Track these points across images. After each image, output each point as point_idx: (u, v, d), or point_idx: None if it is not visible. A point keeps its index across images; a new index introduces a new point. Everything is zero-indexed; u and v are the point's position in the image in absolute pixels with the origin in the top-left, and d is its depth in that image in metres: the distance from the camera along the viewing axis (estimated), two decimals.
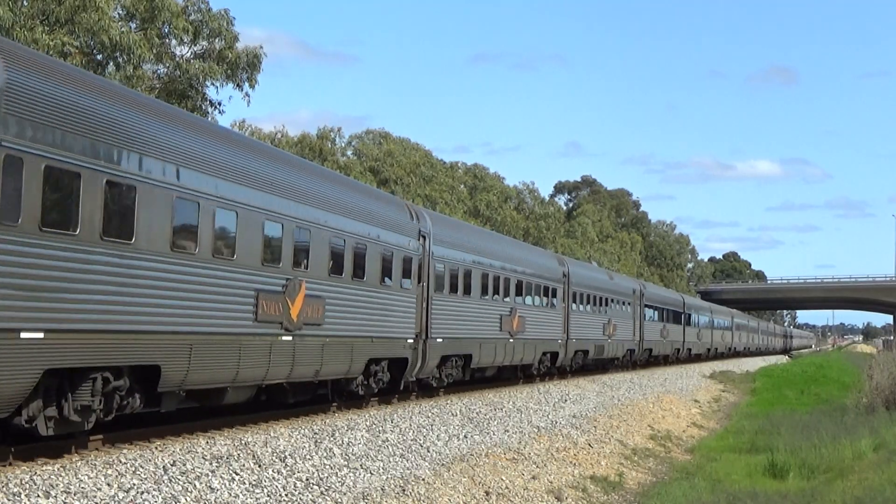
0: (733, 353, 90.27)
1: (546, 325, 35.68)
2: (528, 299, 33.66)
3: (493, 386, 31.58)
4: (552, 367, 36.96)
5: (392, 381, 23.17)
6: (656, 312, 56.96)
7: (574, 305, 38.85)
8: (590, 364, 43.12)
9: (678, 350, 63.81)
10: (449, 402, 24.19)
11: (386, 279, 22.11)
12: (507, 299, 30.94)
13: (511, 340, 31.21)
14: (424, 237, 24.43)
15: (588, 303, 41.49)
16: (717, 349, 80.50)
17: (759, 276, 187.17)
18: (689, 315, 67.73)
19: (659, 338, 57.12)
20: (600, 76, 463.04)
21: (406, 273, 23.33)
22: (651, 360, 56.62)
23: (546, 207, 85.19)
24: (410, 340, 23.50)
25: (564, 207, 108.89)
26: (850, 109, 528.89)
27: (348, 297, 20.17)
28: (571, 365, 39.89)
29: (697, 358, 71.66)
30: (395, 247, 22.50)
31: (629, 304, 49.40)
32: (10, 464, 12.13)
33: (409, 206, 25.15)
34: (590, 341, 41.29)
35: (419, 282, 24.03)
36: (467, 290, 27.41)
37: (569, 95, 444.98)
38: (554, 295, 36.78)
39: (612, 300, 45.69)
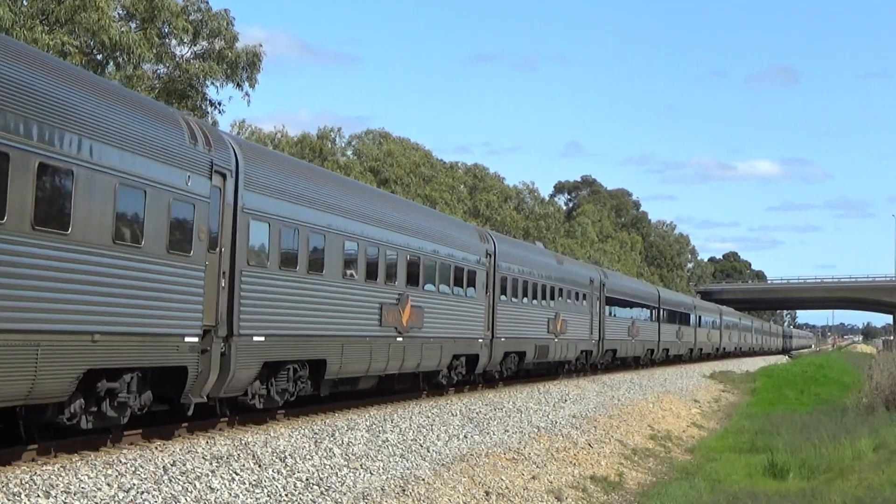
0: (722, 354, 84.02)
1: (458, 320, 26.95)
2: (439, 286, 25.68)
3: (492, 386, 31.57)
4: (470, 375, 28.80)
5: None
6: (624, 307, 48.69)
7: (503, 296, 30.78)
8: (531, 369, 35.69)
9: (651, 351, 55.72)
10: (449, 402, 24.19)
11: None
12: (395, 283, 22.86)
13: (399, 339, 22.92)
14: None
15: (525, 293, 33.09)
16: (702, 350, 72.85)
17: (759, 276, 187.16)
18: (668, 311, 60.26)
19: (626, 337, 48.46)
20: (600, 76, 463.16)
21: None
22: (616, 362, 48.35)
23: (546, 207, 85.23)
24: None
25: (564, 207, 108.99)
26: (850, 109, 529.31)
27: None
28: (502, 370, 31.59)
29: (678, 360, 65.00)
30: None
31: (585, 295, 41.16)
32: (11, 464, 12.12)
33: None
34: (526, 341, 32.91)
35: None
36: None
37: (569, 95, 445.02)
38: (471, 282, 28.28)
39: (562, 291, 37.44)
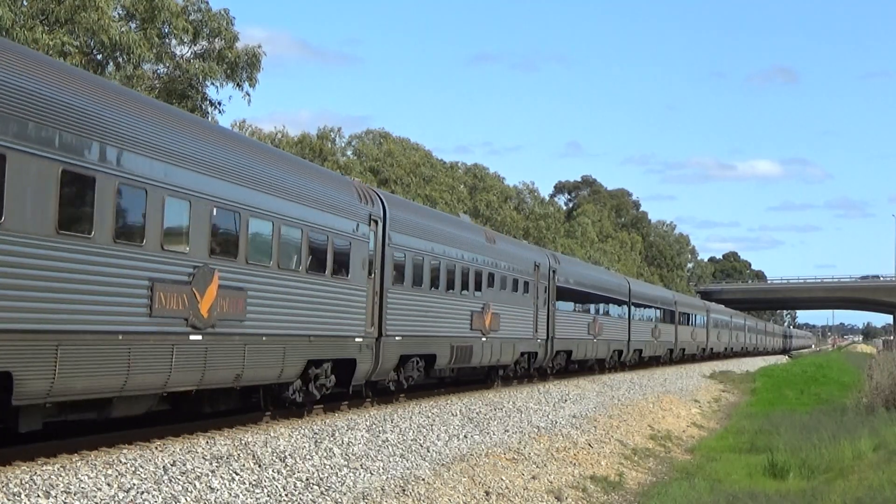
0: (710, 356, 77.01)
1: (324, 312, 19.56)
2: (280, 262, 17.78)
3: (490, 385, 31.52)
4: (348, 388, 21.18)
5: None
6: (582, 301, 41.08)
7: (399, 281, 23.13)
8: (445, 376, 28.42)
9: (620, 353, 48.11)
10: (449, 402, 24.19)
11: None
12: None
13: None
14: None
15: (435, 278, 25.20)
16: (684, 350, 65.37)
17: (759, 276, 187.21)
18: (641, 306, 52.94)
19: (585, 335, 41.04)
20: (601, 76, 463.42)
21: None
22: (573, 366, 40.87)
23: (546, 207, 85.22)
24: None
25: (564, 207, 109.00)
26: (850, 110, 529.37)
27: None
28: (401, 380, 23.88)
29: (655, 362, 58.24)
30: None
31: (527, 284, 33.33)
32: (11, 464, 12.12)
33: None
34: (437, 340, 25.19)
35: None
36: None
37: (569, 95, 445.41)
38: (344, 265, 20.28)
39: (493, 277, 29.70)
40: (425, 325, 24.68)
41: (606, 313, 45.34)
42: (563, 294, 37.89)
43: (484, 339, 28.69)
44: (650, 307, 55.47)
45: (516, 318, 31.94)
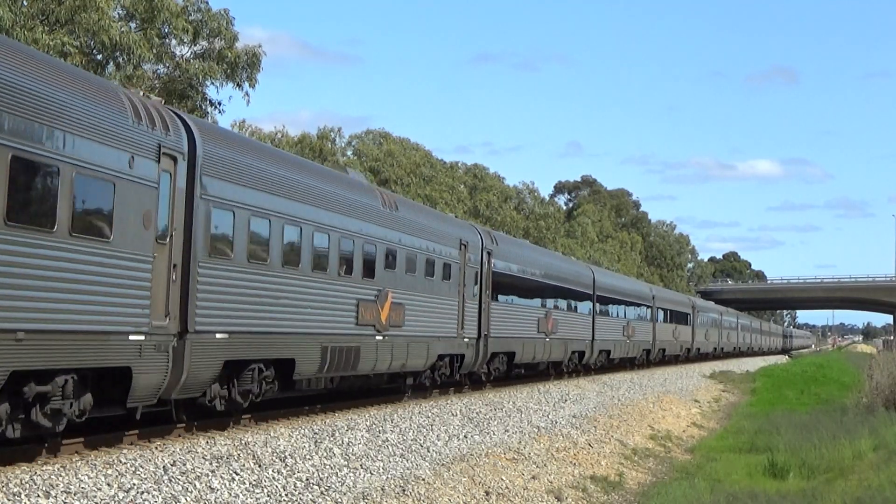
0: (696, 357, 70.43)
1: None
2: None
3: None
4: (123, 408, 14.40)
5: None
6: (528, 293, 33.48)
7: (217, 256, 16.00)
8: (324, 390, 21.65)
9: (580, 354, 40.60)
10: (449, 402, 24.20)
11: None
12: None
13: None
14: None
15: (288, 254, 18.18)
16: (665, 351, 58.75)
17: (759, 276, 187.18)
18: (611, 301, 45.91)
19: (534, 334, 33.57)
20: (601, 76, 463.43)
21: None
22: (517, 371, 33.49)
23: (546, 207, 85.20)
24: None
25: (564, 207, 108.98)
26: (850, 110, 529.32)
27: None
28: (232, 395, 16.82)
29: (630, 365, 51.53)
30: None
31: (450, 268, 26.32)
32: (11, 464, 12.12)
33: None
34: (298, 339, 18.48)
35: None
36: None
37: (569, 95, 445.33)
38: (103, 212, 13.41)
39: (394, 255, 22.80)
40: (272, 317, 17.44)
41: (566, 308, 38.19)
42: (504, 283, 30.73)
43: (379, 337, 21.73)
44: (622, 302, 48.62)
45: (431, 310, 24.71)
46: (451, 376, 27.33)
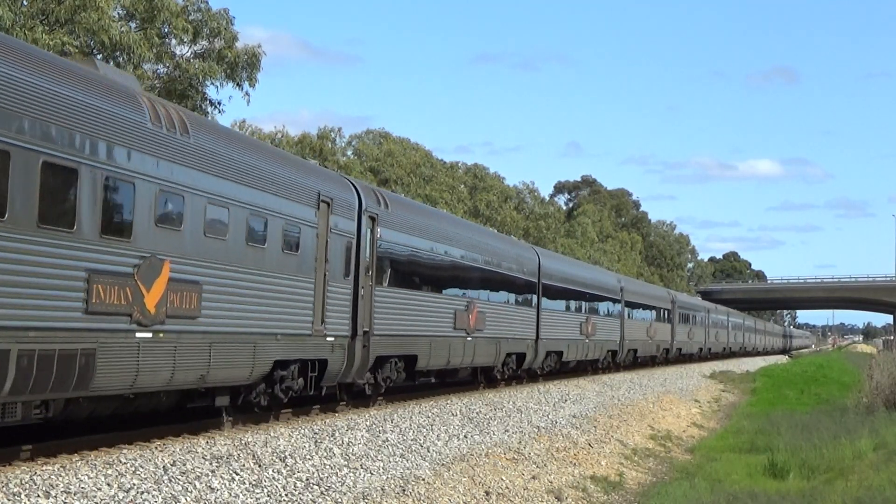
0: (678, 358, 63.38)
1: None
2: None
3: (493, 385, 31.53)
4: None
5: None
6: (440, 277, 26.00)
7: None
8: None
9: (520, 357, 32.97)
10: (449, 402, 24.20)
11: None
12: None
13: None
14: None
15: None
16: (636, 351, 50.62)
17: (759, 276, 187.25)
18: (564, 293, 38.37)
19: (448, 332, 26.08)
20: (601, 76, 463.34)
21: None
22: (427, 379, 28.65)
23: (546, 207, 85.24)
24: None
25: (564, 207, 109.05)
26: (850, 110, 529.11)
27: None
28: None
29: (591, 370, 43.90)
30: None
31: (298, 235, 18.63)
32: (11, 464, 12.13)
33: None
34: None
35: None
36: None
37: (569, 95, 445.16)
38: None
39: (189, 207, 15.12)
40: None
41: (500, 299, 30.89)
42: (399, 261, 23.32)
43: (143, 335, 13.96)
44: (579, 294, 40.38)
45: (257, 294, 16.92)
46: (305, 390, 19.08)
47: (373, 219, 21.83)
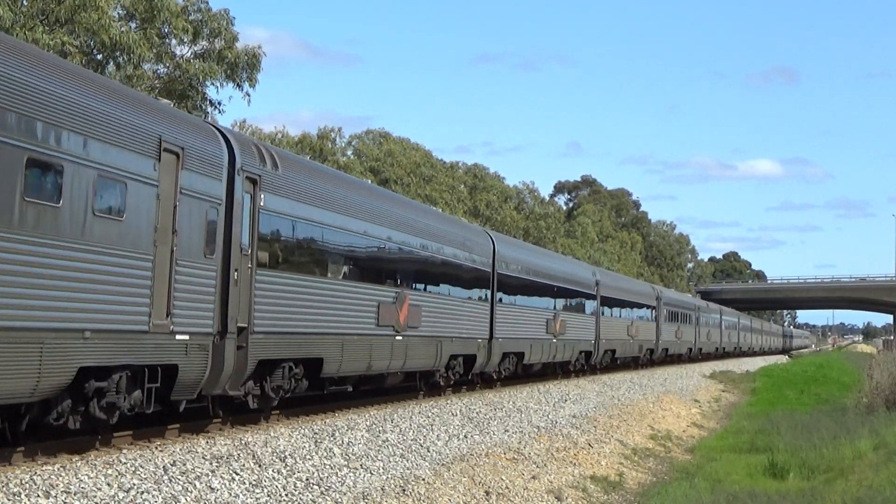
0: (665, 360, 59.10)
1: None
2: None
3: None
4: None
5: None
6: (357, 262, 21.04)
7: None
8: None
9: (468, 359, 27.88)
10: (449, 402, 24.20)
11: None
12: None
13: None
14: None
15: None
16: (613, 352, 45.30)
17: (760, 276, 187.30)
18: (524, 284, 33.05)
19: (372, 328, 21.36)
20: (601, 76, 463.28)
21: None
22: (338, 389, 22.56)
23: (546, 207, 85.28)
24: None
25: (564, 207, 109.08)
26: (851, 110, 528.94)
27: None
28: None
29: (560, 373, 39.05)
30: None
31: (135, 194, 13.70)
32: (11, 463, 12.13)
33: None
34: None
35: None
36: None
37: (570, 95, 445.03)
38: None
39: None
40: None
41: (441, 291, 25.85)
42: (293, 239, 18.29)
43: None
44: (545, 288, 35.35)
45: (38, 275, 12.04)
46: (144, 406, 14.33)
47: (253, 181, 16.77)
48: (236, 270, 16.18)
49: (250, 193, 16.74)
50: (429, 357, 24.68)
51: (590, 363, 41.76)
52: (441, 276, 25.92)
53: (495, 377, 31.16)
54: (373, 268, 21.78)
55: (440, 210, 27.37)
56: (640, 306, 51.63)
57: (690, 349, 66.71)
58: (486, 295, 29.40)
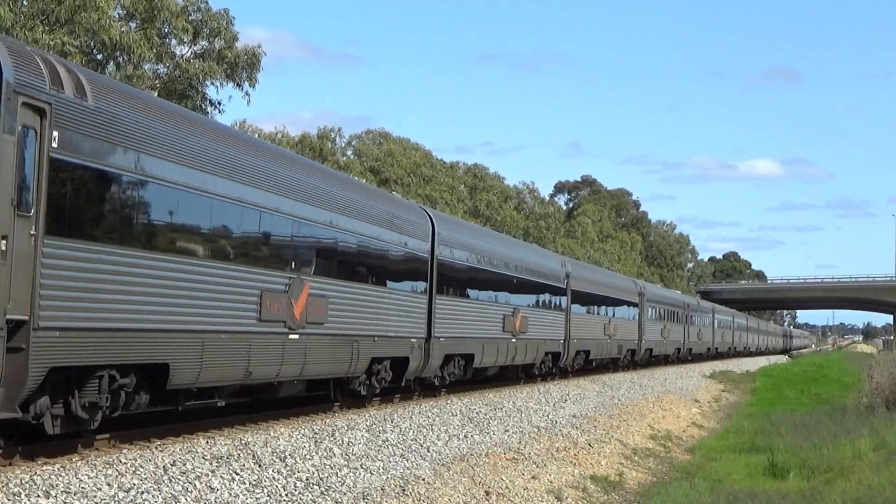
0: (648, 362, 54.41)
1: None
2: None
3: (493, 385, 31.45)
4: None
5: None
6: (236, 240, 16.20)
7: None
8: None
9: (403, 362, 23.29)
10: (449, 402, 24.20)
11: None
12: None
13: None
14: None
15: None
16: (587, 354, 40.56)
17: (760, 276, 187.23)
18: (475, 274, 28.40)
19: (255, 324, 16.59)
20: (601, 76, 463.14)
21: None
22: (201, 405, 17.67)
23: (546, 207, 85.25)
24: None
25: (564, 207, 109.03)
26: (851, 110, 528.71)
27: None
28: None
29: (523, 379, 34.55)
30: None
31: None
32: (11, 464, 12.13)
33: None
34: None
35: None
36: None
37: (570, 95, 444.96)
38: None
39: None
40: None
41: (364, 280, 21.23)
42: (122, 198, 13.60)
43: None
44: (503, 280, 30.80)
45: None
46: None
47: (40, 111, 12.07)
48: (4, 238, 11.47)
49: (34, 129, 11.91)
50: (339, 361, 19.89)
51: (558, 366, 37.13)
52: (357, 260, 20.88)
53: (437, 383, 26.11)
54: (252, 246, 16.79)
55: (399, 196, 23.21)
56: (621, 303, 47.03)
57: (679, 350, 62.00)
58: (422, 286, 24.41)
